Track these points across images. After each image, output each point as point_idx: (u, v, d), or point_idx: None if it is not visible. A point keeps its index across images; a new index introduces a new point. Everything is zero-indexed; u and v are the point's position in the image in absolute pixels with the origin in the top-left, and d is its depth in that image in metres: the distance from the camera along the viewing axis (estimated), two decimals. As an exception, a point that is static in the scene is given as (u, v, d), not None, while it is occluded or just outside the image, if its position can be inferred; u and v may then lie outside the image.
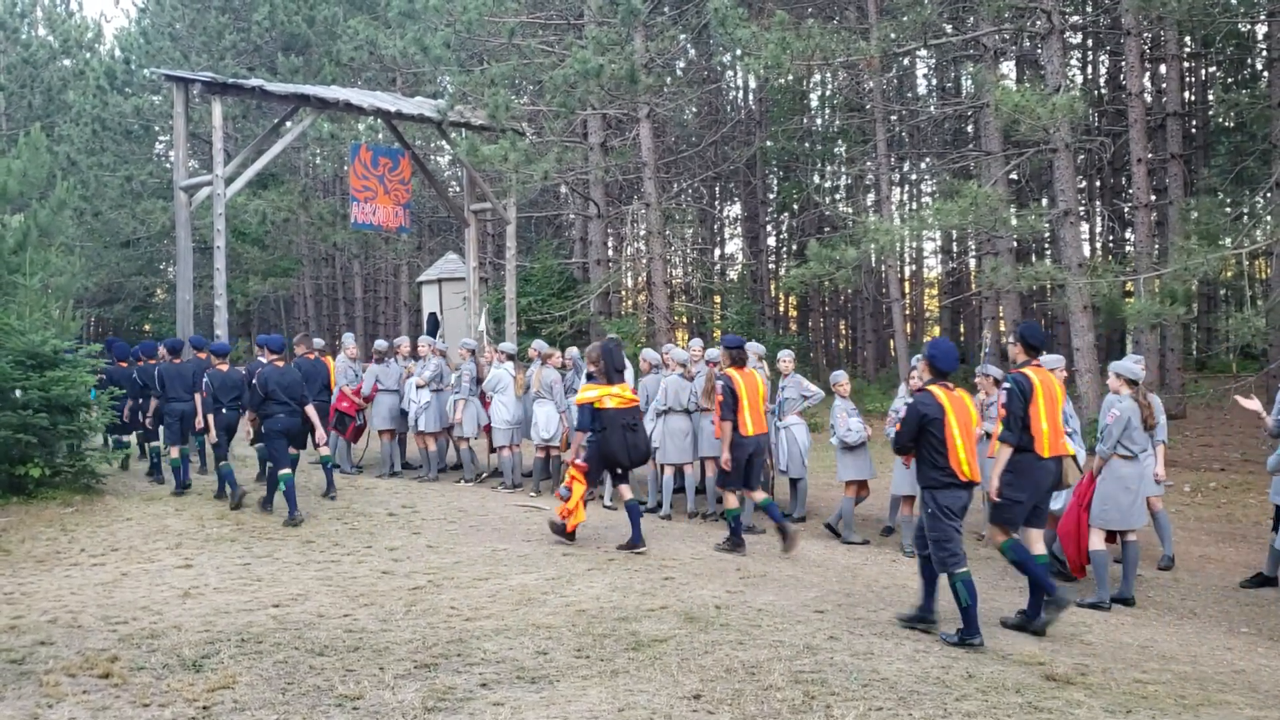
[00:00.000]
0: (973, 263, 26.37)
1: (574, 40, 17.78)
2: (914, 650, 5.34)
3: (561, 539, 8.18)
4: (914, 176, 30.52)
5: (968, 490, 5.77)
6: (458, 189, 25.41)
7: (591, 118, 19.82)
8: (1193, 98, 23.36)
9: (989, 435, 8.83)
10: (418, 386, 11.74)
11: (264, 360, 9.55)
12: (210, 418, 9.81)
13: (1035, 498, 6.01)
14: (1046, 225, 16.07)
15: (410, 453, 12.96)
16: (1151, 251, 15.51)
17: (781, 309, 33.58)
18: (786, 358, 9.74)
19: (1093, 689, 4.80)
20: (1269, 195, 14.56)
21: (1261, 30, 18.09)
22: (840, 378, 9.32)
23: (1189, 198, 16.66)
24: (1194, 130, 22.65)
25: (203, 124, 20.44)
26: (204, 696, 4.49)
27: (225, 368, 9.90)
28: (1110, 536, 7.12)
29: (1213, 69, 23.28)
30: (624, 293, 28.00)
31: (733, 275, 29.71)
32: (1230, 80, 21.65)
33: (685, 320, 26.02)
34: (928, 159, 26.93)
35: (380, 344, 12.69)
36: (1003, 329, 18.76)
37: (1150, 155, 16.76)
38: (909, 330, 26.52)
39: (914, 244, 30.29)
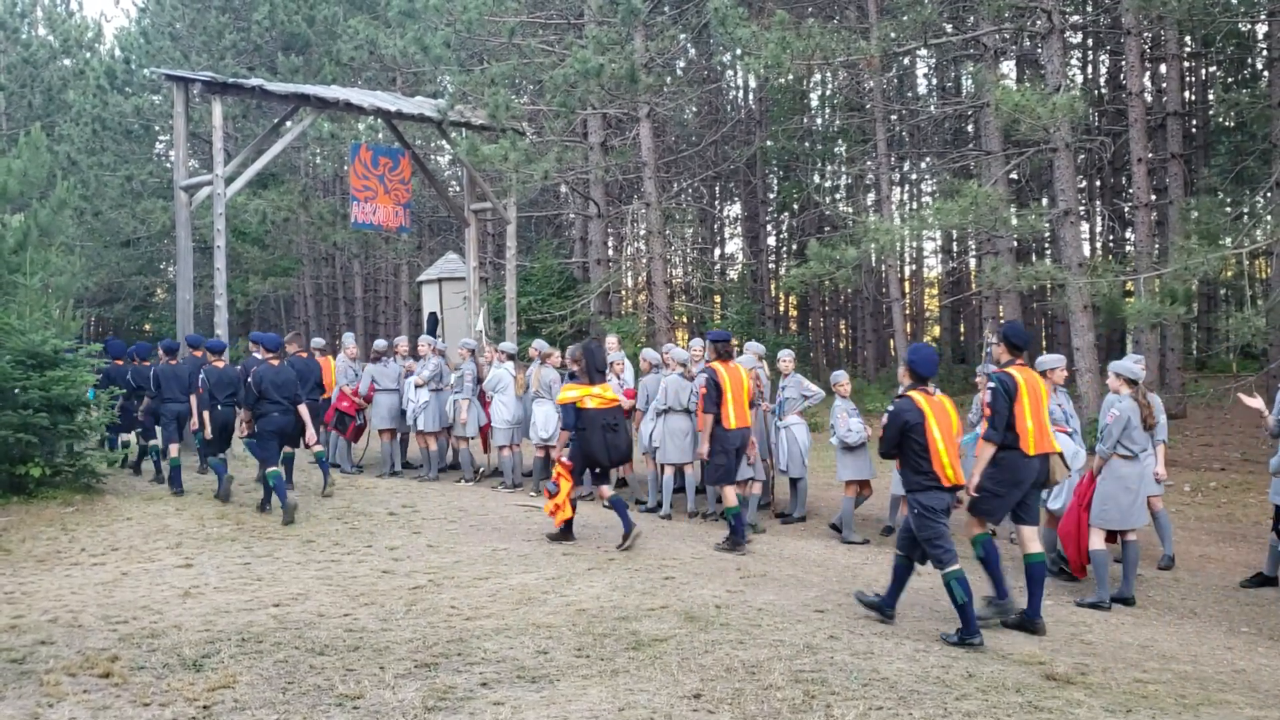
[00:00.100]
0: (973, 262, 26.37)
1: (574, 40, 17.78)
2: (914, 650, 5.34)
3: (561, 540, 8.19)
4: (914, 176, 30.52)
5: (951, 493, 5.86)
6: (458, 189, 25.41)
7: (591, 117, 19.82)
8: (1193, 97, 23.35)
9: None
10: (416, 386, 11.75)
11: (259, 357, 9.59)
12: (205, 414, 9.86)
13: (1017, 494, 6.07)
14: (1046, 225, 16.06)
15: (412, 452, 12.96)
16: (1151, 251, 15.51)
17: (782, 309, 33.58)
18: (787, 357, 9.74)
19: (1093, 688, 4.80)
20: (1269, 195, 14.56)
21: (1262, 30, 18.08)
22: (841, 378, 9.32)
23: (1189, 197, 16.66)
24: (1194, 130, 22.64)
25: (203, 124, 20.44)
26: (204, 696, 4.49)
27: (221, 364, 9.95)
28: (1110, 536, 7.12)
29: (1213, 69, 23.27)
30: (624, 292, 28.01)
31: (733, 275, 29.71)
32: (1230, 80, 21.64)
33: (685, 320, 26.01)
34: (928, 159, 26.93)
35: (380, 344, 12.69)
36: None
37: (1150, 155, 16.75)
38: (909, 330, 26.52)
39: (914, 244, 30.30)
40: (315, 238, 25.86)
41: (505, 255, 17.59)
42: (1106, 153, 18.89)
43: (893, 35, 15.16)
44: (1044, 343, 26.42)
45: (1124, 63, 16.36)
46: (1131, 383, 7.13)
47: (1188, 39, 19.79)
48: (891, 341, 24.28)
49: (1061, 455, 6.35)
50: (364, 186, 15.30)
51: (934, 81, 26.85)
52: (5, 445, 9.34)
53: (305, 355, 11.08)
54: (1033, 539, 6.16)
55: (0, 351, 9.56)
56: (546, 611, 5.95)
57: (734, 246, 33.00)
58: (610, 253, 24.71)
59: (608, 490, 8.24)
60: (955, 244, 28.67)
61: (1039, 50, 16.33)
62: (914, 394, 5.85)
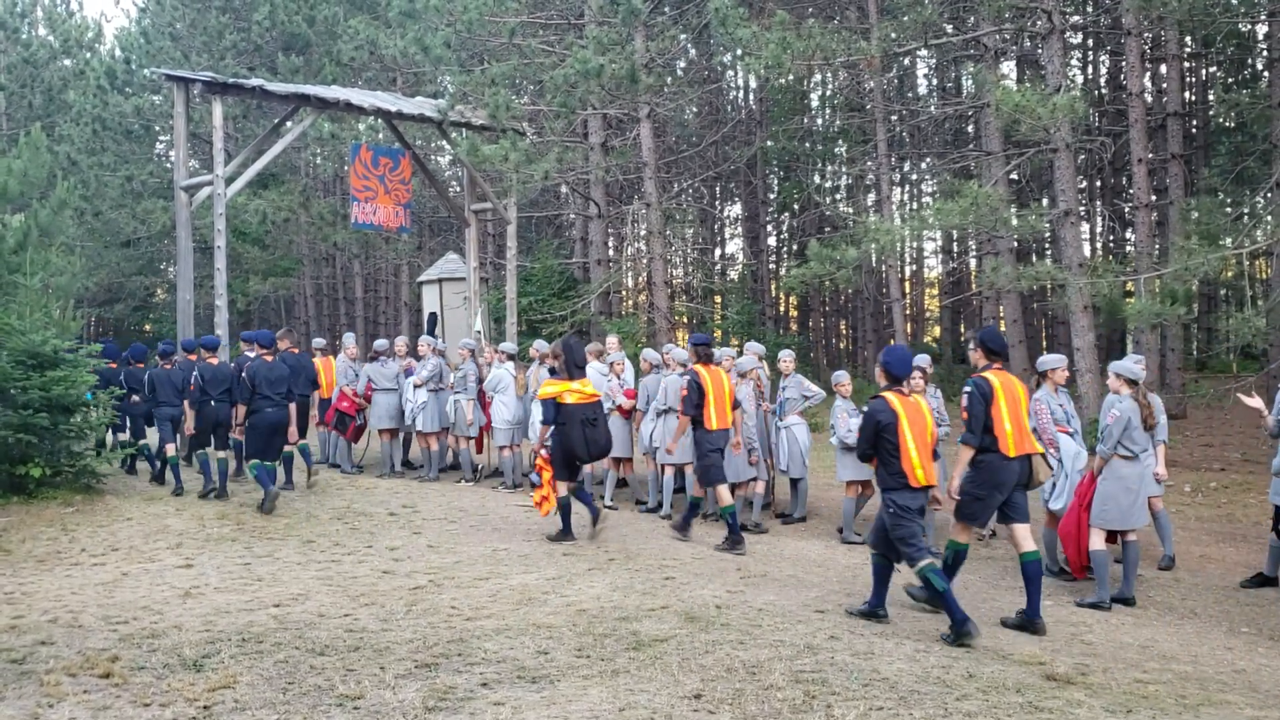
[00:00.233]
0: (973, 263, 26.38)
1: (574, 40, 17.77)
2: (914, 650, 5.34)
3: (561, 540, 8.20)
4: (914, 176, 30.52)
5: (924, 492, 5.93)
6: (458, 189, 25.40)
7: (592, 118, 19.82)
8: (1193, 98, 23.35)
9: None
10: (415, 386, 11.75)
11: (251, 355, 9.67)
12: (190, 411, 10.01)
13: (999, 496, 6.11)
14: (1047, 225, 16.07)
15: (413, 452, 12.96)
16: (1152, 251, 15.51)
17: (782, 309, 33.58)
18: (787, 358, 9.74)
19: (1093, 689, 4.80)
20: (1269, 195, 14.55)
21: (1262, 30, 18.09)
22: (841, 378, 9.32)
23: (1189, 198, 16.65)
24: (1194, 130, 22.64)
25: (203, 124, 20.45)
26: (205, 696, 4.49)
27: (216, 361, 10.01)
28: (1110, 536, 7.11)
29: (1213, 69, 23.27)
30: (624, 293, 28.00)
31: (733, 275, 29.71)
32: (1231, 80, 21.64)
33: (686, 320, 26.00)
34: (928, 159, 26.93)
35: (380, 343, 12.70)
36: (1003, 329, 18.76)
37: (1151, 155, 16.75)
38: (909, 330, 26.53)
39: (914, 244, 30.31)
40: (315, 238, 25.86)
41: (505, 255, 17.60)
42: (1107, 153, 18.89)
43: (893, 35, 15.17)
44: (1044, 343, 26.42)
45: (1124, 63, 16.36)
46: (1132, 383, 7.12)
47: (1188, 39, 19.80)
48: (892, 342, 24.26)
49: (1044, 455, 6.39)
50: (364, 187, 15.31)
51: (934, 82, 26.85)
52: (5, 445, 9.35)
53: (297, 351, 11.14)
54: (1025, 537, 6.17)
55: (0, 351, 9.56)
56: (547, 612, 5.95)
57: (734, 247, 33.03)
58: (611, 253, 24.70)
59: (563, 489, 8.35)
60: (955, 244, 28.67)
61: (1039, 50, 16.33)
62: (888, 395, 5.95)
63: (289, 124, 15.27)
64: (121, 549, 7.83)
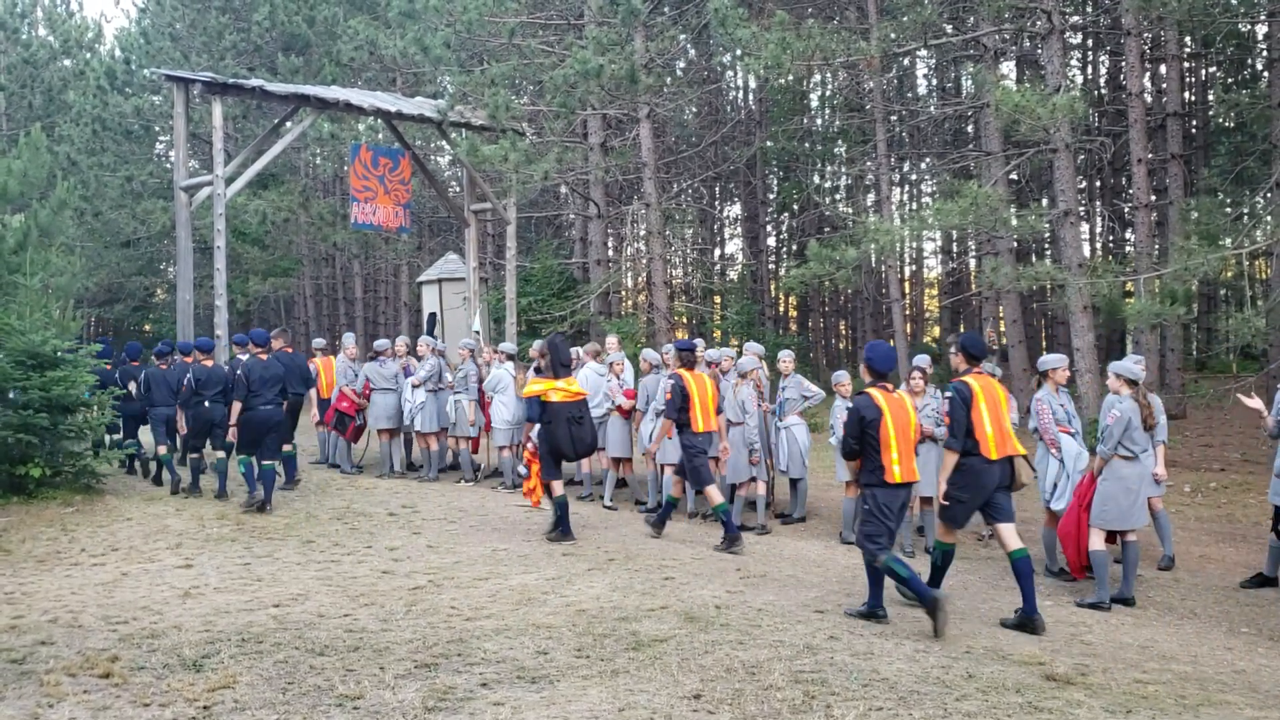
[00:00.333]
0: (973, 263, 26.38)
1: (574, 40, 17.77)
2: (914, 650, 5.34)
3: (560, 540, 8.21)
4: (914, 176, 30.53)
5: (904, 489, 6.01)
6: (458, 189, 25.40)
7: (591, 118, 19.82)
8: (1193, 98, 23.35)
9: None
10: (414, 386, 11.76)
11: (243, 357, 9.75)
12: (181, 413, 10.07)
13: (980, 498, 6.19)
14: (1046, 225, 16.06)
15: (416, 454, 12.95)
16: (1152, 251, 15.50)
17: (782, 309, 33.58)
18: (787, 358, 9.75)
19: (1093, 689, 4.80)
20: (1269, 195, 14.55)
21: (1261, 30, 18.09)
22: (842, 378, 9.32)
23: (1189, 198, 16.65)
24: (1194, 130, 22.64)
25: (203, 124, 20.44)
26: (204, 696, 4.49)
27: (210, 363, 10.03)
28: (1110, 537, 7.11)
29: (1213, 69, 23.27)
30: (624, 293, 28.02)
31: (733, 275, 29.71)
32: (1230, 80, 21.65)
33: (685, 320, 26.01)
34: (928, 159, 26.92)
35: (381, 343, 12.71)
36: (1002, 329, 18.76)
37: (1150, 155, 16.75)
38: (909, 330, 26.52)
39: (914, 244, 30.32)
40: (315, 238, 25.86)
41: (505, 256, 17.59)
42: (1106, 153, 18.89)
43: (893, 36, 15.16)
44: (1044, 343, 26.43)
45: (1124, 63, 16.36)
46: (1132, 383, 7.12)
47: (1188, 40, 19.80)
48: (891, 342, 24.28)
49: (1026, 457, 6.46)
50: (364, 187, 15.30)
51: (934, 82, 26.85)
52: (5, 445, 9.35)
53: (291, 351, 11.18)
54: (1011, 535, 6.23)
55: (0, 352, 9.57)
56: (546, 612, 5.95)
57: (734, 247, 33.03)
58: (610, 253, 24.71)
59: (558, 488, 8.42)
60: (955, 244, 28.67)
61: (1039, 51, 16.32)
62: (872, 391, 6.02)
63: (289, 124, 15.26)
64: (121, 549, 7.83)
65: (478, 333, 14.98)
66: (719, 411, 8.94)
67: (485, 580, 6.83)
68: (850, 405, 6.04)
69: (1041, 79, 15.12)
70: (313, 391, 12.80)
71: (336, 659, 5.03)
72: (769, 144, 24.92)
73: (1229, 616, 6.76)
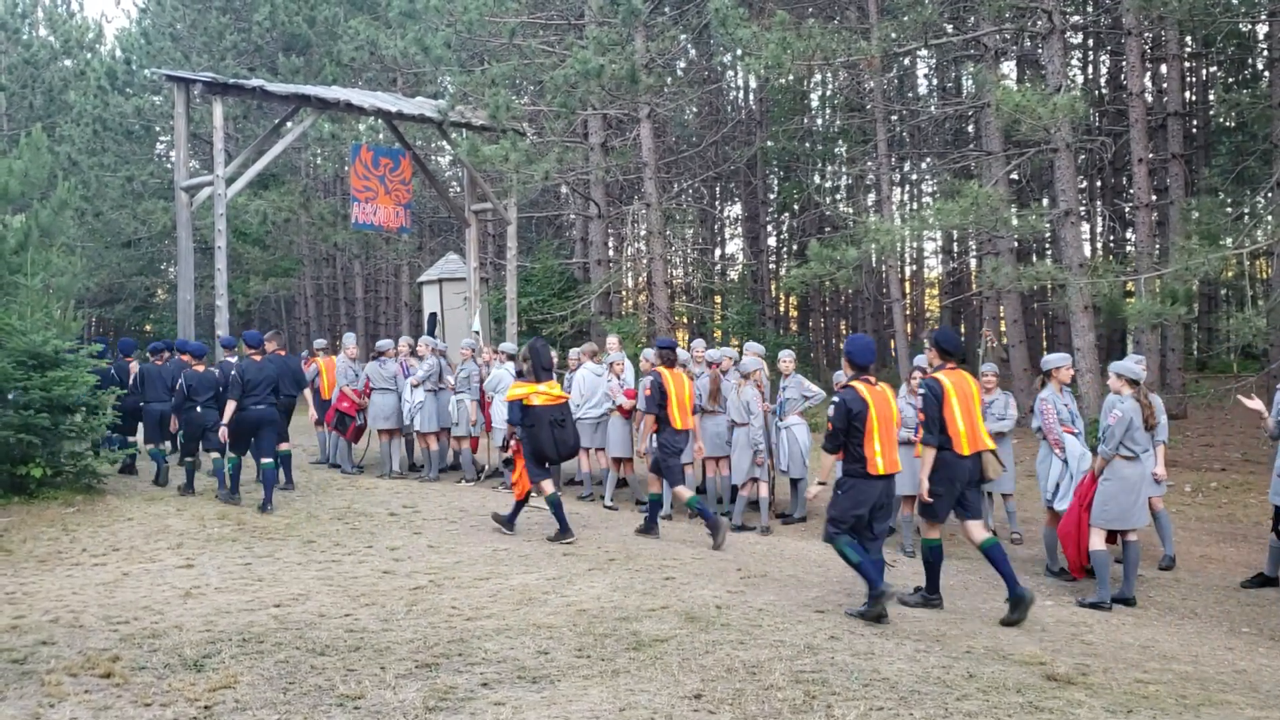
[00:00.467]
0: (973, 263, 26.37)
1: (574, 40, 17.77)
2: (915, 650, 5.34)
3: (560, 539, 8.22)
4: (914, 176, 30.52)
5: (883, 482, 6.10)
6: (458, 189, 25.40)
7: (592, 118, 19.82)
8: (1194, 97, 23.35)
9: (993, 435, 8.86)
10: (412, 386, 11.77)
11: (232, 359, 9.81)
12: (175, 417, 10.13)
13: (954, 492, 6.31)
14: (1047, 225, 16.06)
15: (418, 455, 12.95)
16: (1152, 251, 15.50)
17: (782, 309, 33.58)
18: (787, 358, 9.75)
19: (1094, 689, 4.80)
20: (1270, 195, 14.55)
21: (1262, 30, 18.08)
22: (843, 378, 9.32)
23: (1190, 198, 16.65)
24: (1195, 130, 22.64)
25: (204, 124, 20.45)
26: (205, 696, 4.49)
27: (201, 368, 10.06)
28: (1110, 537, 7.12)
29: (1213, 69, 23.26)
30: (624, 293, 28.00)
31: (733, 275, 29.71)
32: (1231, 80, 21.64)
33: (686, 320, 26.01)
34: (928, 159, 26.92)
35: (383, 343, 12.72)
36: (1003, 329, 18.76)
37: (1151, 155, 16.74)
38: (909, 330, 26.52)
39: (914, 244, 30.33)
40: (316, 238, 25.87)
41: (506, 256, 17.60)
42: (1107, 153, 18.88)
43: (893, 35, 15.16)
44: (1044, 343, 26.42)
45: (1124, 63, 16.35)
46: (1133, 383, 7.13)
47: (1188, 39, 19.79)
48: (892, 342, 24.26)
49: (995, 453, 6.56)
50: (365, 187, 15.31)
51: (934, 82, 26.84)
52: (6, 446, 9.35)
53: (284, 354, 11.22)
54: (978, 529, 6.37)
55: (1, 352, 9.57)
56: (547, 612, 5.96)
57: (734, 247, 33.04)
58: (611, 253, 24.70)
59: (549, 487, 8.48)
60: (956, 244, 28.66)
61: (1039, 50, 16.33)
62: (857, 384, 6.12)
63: (289, 124, 15.27)
64: (122, 549, 7.83)
65: (477, 333, 14.99)
66: (694, 411, 9.08)
67: (486, 580, 6.83)
68: (836, 399, 6.10)
69: (1042, 79, 15.12)
70: (313, 392, 12.83)
71: (337, 659, 5.04)
72: (769, 144, 24.92)
73: (1230, 616, 6.76)
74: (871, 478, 6.04)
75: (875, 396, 6.07)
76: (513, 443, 8.54)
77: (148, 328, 32.09)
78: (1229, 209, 16.68)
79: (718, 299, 27.55)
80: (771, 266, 29.73)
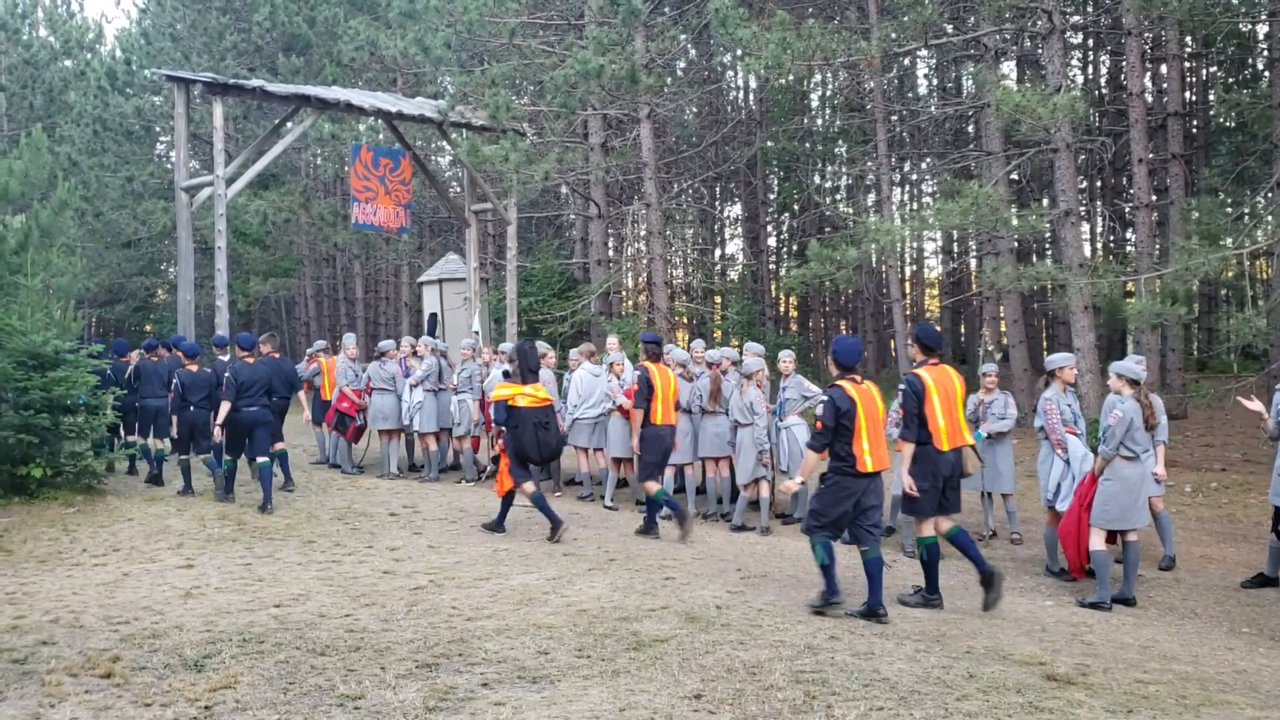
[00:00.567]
0: (973, 263, 26.38)
1: (574, 40, 17.78)
2: (915, 650, 5.34)
3: (554, 535, 8.24)
4: (914, 176, 30.51)
5: (869, 479, 6.11)
6: (458, 189, 25.40)
7: (592, 118, 19.82)
8: (1194, 98, 23.35)
9: (993, 435, 8.87)
10: (411, 386, 11.77)
11: (224, 359, 9.81)
12: (174, 416, 10.12)
13: (938, 485, 6.36)
14: (1047, 225, 16.06)
15: (417, 454, 12.95)
16: (1152, 251, 15.50)
17: (782, 309, 33.58)
18: (787, 358, 9.76)
19: (1094, 689, 4.81)
20: (1270, 195, 14.55)
21: (1262, 30, 18.08)
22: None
23: (1190, 198, 16.65)
24: (1195, 130, 22.63)
25: (204, 125, 20.45)
26: (206, 696, 4.50)
27: (194, 368, 10.07)
28: (1110, 537, 7.12)
29: (1214, 69, 23.26)
30: (624, 293, 27.99)
31: (733, 275, 29.70)
32: (1231, 80, 21.63)
33: (686, 320, 26.01)
34: (928, 159, 26.92)
35: (384, 343, 12.72)
36: (1003, 329, 18.75)
37: (1151, 155, 16.75)
38: (910, 331, 26.48)
39: (914, 244, 30.31)
40: (316, 239, 25.87)
41: (506, 256, 17.60)
42: (1107, 153, 18.88)
43: (893, 36, 15.16)
44: (1045, 343, 26.42)
45: (1125, 63, 16.35)
46: (1133, 383, 7.13)
47: (1188, 39, 19.79)
48: (892, 342, 24.28)
49: (974, 448, 6.62)
50: (365, 187, 15.31)
51: (934, 82, 26.84)
52: (7, 446, 9.35)
53: (278, 356, 11.24)
54: (946, 522, 6.45)
55: (1, 352, 9.57)
56: (547, 612, 5.96)
57: (734, 247, 33.03)
58: (611, 253, 24.71)
59: (531, 487, 8.50)
60: (956, 244, 28.66)
61: (1039, 51, 16.32)
62: (843, 383, 6.15)
63: (289, 125, 15.27)
64: (123, 549, 7.83)
65: (477, 333, 14.99)
66: (677, 407, 9.17)
67: (486, 580, 6.83)
68: (825, 398, 6.15)
69: (1042, 79, 15.12)
70: (314, 392, 12.83)
71: (337, 659, 5.04)
72: (769, 144, 24.92)
73: (1230, 616, 6.76)
74: (859, 475, 6.07)
75: (862, 395, 6.11)
76: (498, 444, 8.62)
77: (148, 328, 32.07)
78: (1229, 209, 16.68)
79: (718, 299, 27.54)
80: (771, 267, 29.73)
